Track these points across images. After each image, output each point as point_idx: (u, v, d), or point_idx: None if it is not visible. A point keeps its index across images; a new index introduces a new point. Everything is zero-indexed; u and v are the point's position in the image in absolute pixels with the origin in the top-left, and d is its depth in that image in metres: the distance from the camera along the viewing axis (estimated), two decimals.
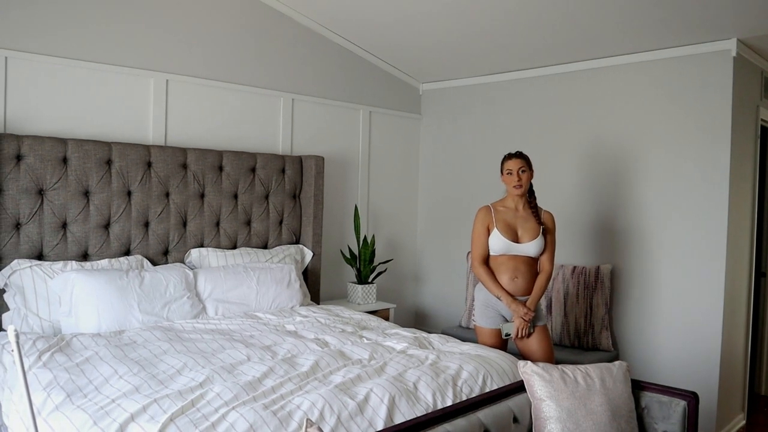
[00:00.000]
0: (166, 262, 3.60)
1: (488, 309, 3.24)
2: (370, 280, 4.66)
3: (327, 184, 4.61)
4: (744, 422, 4.21)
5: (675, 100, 3.93)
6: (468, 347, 2.90)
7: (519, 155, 3.29)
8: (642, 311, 4.07)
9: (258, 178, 4.00)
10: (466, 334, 4.34)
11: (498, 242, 3.21)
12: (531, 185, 3.33)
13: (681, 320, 3.90)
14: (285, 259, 3.95)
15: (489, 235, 3.25)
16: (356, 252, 4.69)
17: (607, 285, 4.07)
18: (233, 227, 3.90)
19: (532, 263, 3.25)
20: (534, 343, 3.21)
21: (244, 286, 3.51)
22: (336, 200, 4.75)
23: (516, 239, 3.23)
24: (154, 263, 3.53)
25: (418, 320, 5.45)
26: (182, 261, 3.66)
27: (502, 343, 3.25)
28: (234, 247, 3.91)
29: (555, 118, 4.53)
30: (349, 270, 4.84)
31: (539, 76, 4.61)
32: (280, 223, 4.15)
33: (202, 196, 3.76)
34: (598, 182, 4.29)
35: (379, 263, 4.79)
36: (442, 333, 4.15)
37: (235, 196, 3.91)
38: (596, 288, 4.07)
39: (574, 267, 4.19)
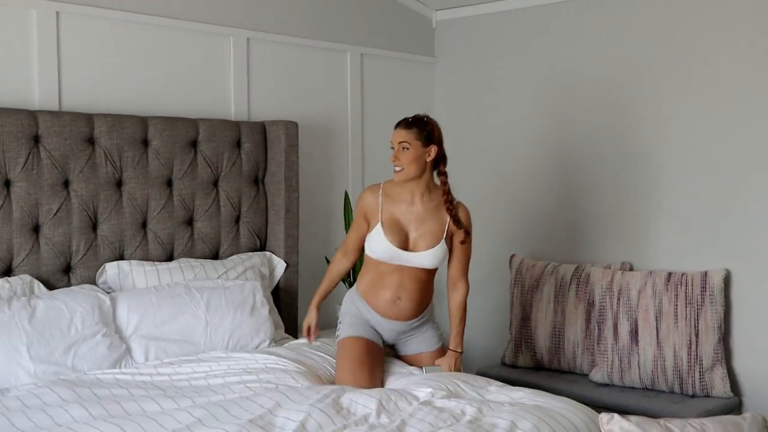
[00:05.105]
0: (69, 284, 3.55)
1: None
2: None
3: (303, 162, 4.56)
4: None
5: None
6: (522, 394, 2.96)
7: (407, 123, 3.30)
8: None
9: (202, 155, 3.98)
10: (513, 374, 4.44)
11: (380, 246, 3.34)
12: (440, 168, 3.42)
13: None
14: (246, 273, 3.95)
15: (369, 228, 3.40)
16: None
17: (720, 299, 4.04)
18: (167, 229, 3.87)
19: (424, 278, 3.40)
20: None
21: (188, 315, 3.51)
22: (318, 185, 4.74)
23: (405, 245, 3.35)
24: (51, 286, 3.47)
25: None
26: (93, 281, 3.62)
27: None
28: (170, 259, 3.91)
29: (647, 51, 4.45)
30: (340, 286, 4.74)
31: None
32: (237, 220, 4.15)
33: (120, 184, 3.72)
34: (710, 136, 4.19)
35: None
36: (478, 374, 4.12)
37: (169, 183, 3.89)
38: (703, 304, 4.05)
39: (670, 274, 4.16)
